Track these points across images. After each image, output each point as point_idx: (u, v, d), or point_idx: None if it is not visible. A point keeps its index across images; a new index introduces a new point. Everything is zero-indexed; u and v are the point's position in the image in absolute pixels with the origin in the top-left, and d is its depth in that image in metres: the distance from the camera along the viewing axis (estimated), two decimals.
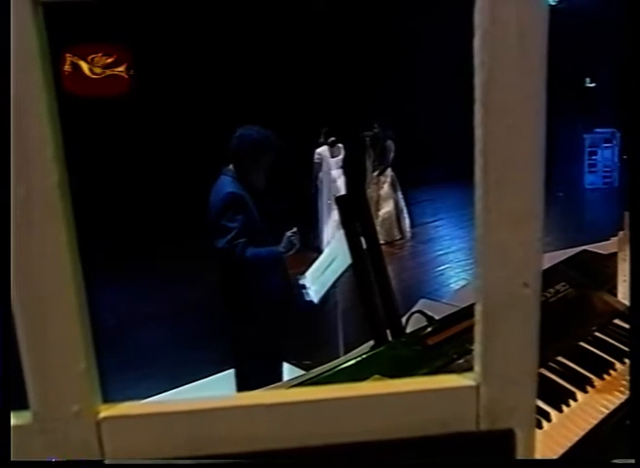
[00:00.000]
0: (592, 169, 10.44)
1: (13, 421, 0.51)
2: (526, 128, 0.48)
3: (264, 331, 3.03)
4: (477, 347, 0.54)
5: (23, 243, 0.48)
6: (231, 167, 2.91)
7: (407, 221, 7.82)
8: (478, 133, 0.49)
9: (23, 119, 0.45)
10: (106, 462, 0.52)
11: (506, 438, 0.54)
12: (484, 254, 0.51)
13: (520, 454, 0.55)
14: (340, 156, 7.13)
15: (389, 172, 7.41)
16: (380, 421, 0.53)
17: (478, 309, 0.53)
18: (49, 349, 0.49)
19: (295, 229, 3.03)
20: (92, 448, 0.51)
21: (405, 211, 7.77)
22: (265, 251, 2.92)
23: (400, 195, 7.59)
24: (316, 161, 7.10)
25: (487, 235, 0.51)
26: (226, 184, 2.85)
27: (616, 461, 1.02)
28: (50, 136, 0.46)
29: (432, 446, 0.54)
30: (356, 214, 1.58)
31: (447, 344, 1.40)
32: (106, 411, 0.51)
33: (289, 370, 3.97)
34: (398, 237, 7.59)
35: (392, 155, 7.35)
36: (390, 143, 7.29)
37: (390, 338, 1.54)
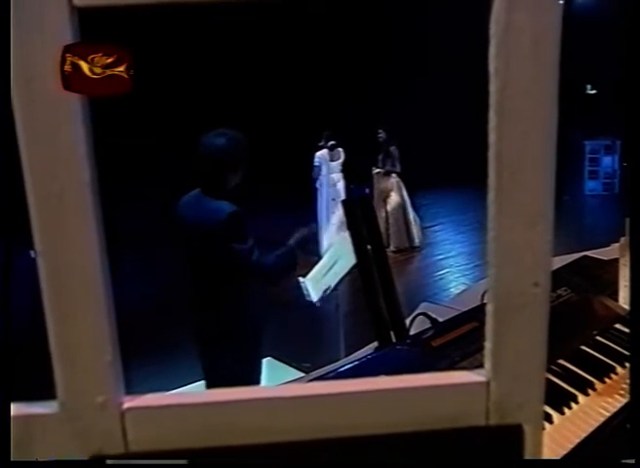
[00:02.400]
0: (593, 175, 10.48)
1: (40, 410, 0.52)
2: (538, 133, 0.50)
3: (246, 340, 2.95)
4: (488, 344, 0.56)
5: (54, 238, 0.50)
6: (206, 179, 2.71)
7: (417, 229, 7.63)
8: (492, 137, 0.51)
9: (59, 119, 0.47)
10: (108, 462, 0.53)
11: (515, 433, 0.56)
12: (496, 255, 0.53)
13: (528, 449, 0.57)
14: (340, 160, 7.13)
15: (394, 178, 7.34)
16: (393, 415, 0.55)
17: (489, 307, 0.55)
18: (77, 342, 0.51)
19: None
20: (116, 437, 0.53)
21: (415, 217, 7.59)
22: (282, 252, 2.75)
23: (408, 202, 7.45)
24: (316, 164, 7.11)
25: (499, 236, 0.53)
26: (216, 202, 2.64)
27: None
28: (83, 136, 0.48)
29: (443, 439, 0.56)
30: (362, 216, 1.60)
31: (450, 346, 1.41)
32: (130, 402, 0.53)
33: (289, 372, 3.99)
34: (407, 245, 7.44)
35: (398, 161, 7.30)
36: (394, 149, 7.25)
37: (394, 340, 1.56)
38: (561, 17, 0.48)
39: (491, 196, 0.52)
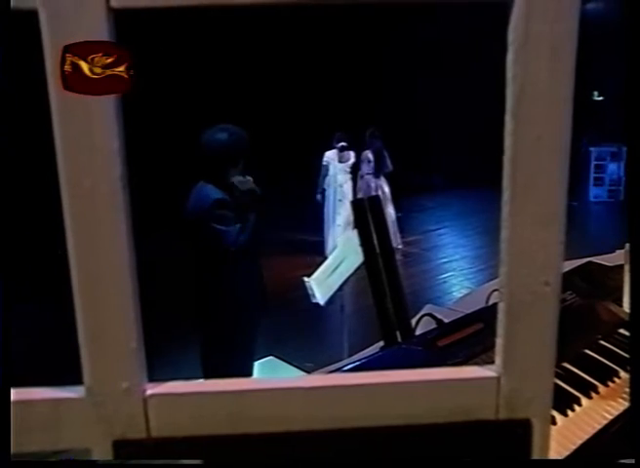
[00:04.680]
0: (598, 182, 10.50)
1: (67, 394, 0.54)
2: (553, 138, 0.52)
3: (238, 332, 3.02)
4: (498, 340, 0.57)
5: (85, 230, 0.52)
6: (207, 172, 2.88)
7: (396, 233, 7.36)
8: (508, 141, 0.53)
9: (93, 116, 0.49)
10: (99, 463, 0.55)
11: (524, 427, 0.58)
12: (509, 254, 0.55)
13: (536, 443, 0.58)
14: (349, 162, 7.13)
15: (376, 180, 7.27)
16: (405, 407, 0.57)
17: (501, 305, 0.57)
18: (104, 329, 0.53)
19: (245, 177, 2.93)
20: (138, 422, 0.55)
21: (394, 224, 7.35)
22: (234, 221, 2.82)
23: (390, 208, 7.30)
24: (323, 163, 7.13)
25: (512, 236, 0.55)
26: (209, 191, 2.82)
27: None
28: (116, 132, 0.50)
29: (454, 432, 0.57)
30: (370, 216, 1.62)
31: (456, 347, 1.43)
32: (153, 389, 0.55)
33: (291, 372, 4.00)
34: None
35: (373, 165, 7.22)
36: (366, 153, 7.21)
37: (400, 339, 1.58)
38: (578, 24, 0.50)
39: (505, 196, 0.54)
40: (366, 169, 7.33)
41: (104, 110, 0.49)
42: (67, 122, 0.49)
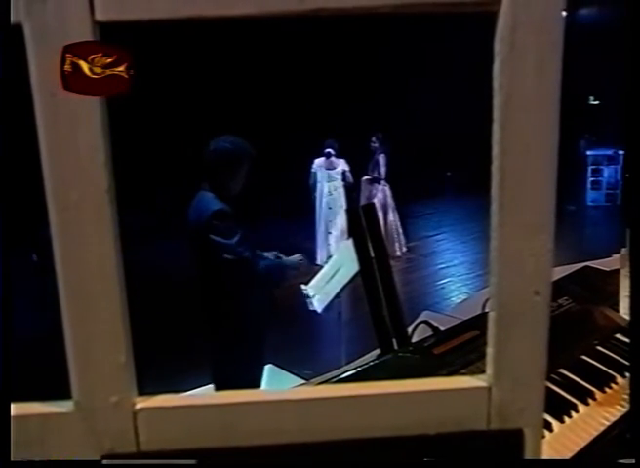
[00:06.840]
0: (595, 186, 10.52)
1: (56, 409, 0.54)
2: (541, 147, 0.52)
3: (248, 343, 3.02)
4: (489, 351, 0.57)
5: (72, 244, 0.51)
6: (209, 181, 2.87)
7: (400, 239, 7.55)
8: (495, 151, 0.53)
9: (80, 129, 0.49)
10: (104, 462, 0.55)
11: (515, 437, 0.58)
12: (498, 264, 0.55)
13: (528, 453, 0.58)
14: (338, 168, 7.11)
15: (381, 186, 7.31)
16: (397, 418, 0.56)
17: (491, 315, 0.57)
18: (93, 343, 0.53)
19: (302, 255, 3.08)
20: (128, 436, 0.55)
21: (399, 228, 7.52)
22: (276, 264, 2.92)
23: (393, 212, 7.39)
24: (312, 171, 7.15)
25: (501, 246, 0.55)
26: (209, 201, 2.80)
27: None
28: (102, 145, 0.50)
29: (446, 443, 0.57)
30: (365, 224, 1.62)
31: (452, 354, 1.43)
32: (142, 403, 0.55)
33: (290, 380, 3.99)
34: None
35: (384, 169, 7.24)
36: (382, 157, 7.25)
37: (396, 347, 1.57)
38: (563, 35, 0.50)
39: (494, 206, 0.54)
40: (373, 174, 7.33)
41: (91, 124, 0.49)
42: (53, 136, 0.49)
